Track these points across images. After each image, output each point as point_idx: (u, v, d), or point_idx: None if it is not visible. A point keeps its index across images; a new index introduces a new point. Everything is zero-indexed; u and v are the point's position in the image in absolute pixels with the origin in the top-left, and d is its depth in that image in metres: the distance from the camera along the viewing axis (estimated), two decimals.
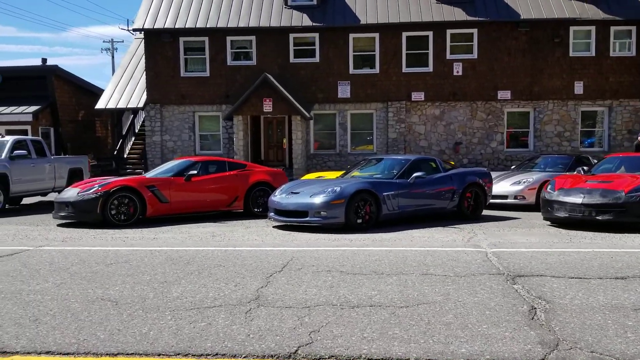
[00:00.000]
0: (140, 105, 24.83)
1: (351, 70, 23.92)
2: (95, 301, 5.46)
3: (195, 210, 11.92)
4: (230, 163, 12.80)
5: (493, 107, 23.75)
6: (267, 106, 22.36)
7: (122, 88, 25.82)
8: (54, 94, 25.40)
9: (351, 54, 23.91)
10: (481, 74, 23.53)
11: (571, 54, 23.29)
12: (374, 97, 23.97)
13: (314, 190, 10.14)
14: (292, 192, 10.44)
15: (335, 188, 9.92)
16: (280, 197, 10.55)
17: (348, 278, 6.24)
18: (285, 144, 25.11)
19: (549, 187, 10.78)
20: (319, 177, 14.60)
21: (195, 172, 11.79)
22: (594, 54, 23.26)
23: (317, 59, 23.97)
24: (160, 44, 24.22)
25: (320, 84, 24.05)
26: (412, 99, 23.81)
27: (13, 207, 15.02)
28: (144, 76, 26.04)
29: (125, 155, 26.03)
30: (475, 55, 23.55)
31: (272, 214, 10.63)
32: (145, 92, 25.16)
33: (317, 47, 23.98)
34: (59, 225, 11.29)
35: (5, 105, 24.91)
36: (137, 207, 11.11)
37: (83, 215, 10.90)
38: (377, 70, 23.89)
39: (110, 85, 25.96)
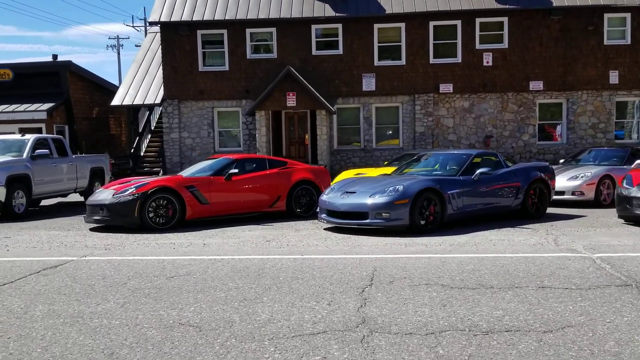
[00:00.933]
0: (157, 101, 23.98)
1: (376, 62, 23.02)
2: (174, 327, 4.62)
3: (236, 211, 11.07)
4: (271, 160, 11.95)
5: (524, 99, 22.84)
6: (291, 100, 21.50)
7: (138, 84, 24.96)
8: (68, 90, 24.53)
9: (376, 45, 23.02)
10: (512, 64, 22.62)
11: (606, 42, 22.36)
12: (400, 90, 23.07)
13: (372, 189, 9.28)
14: (346, 192, 9.57)
15: (397, 187, 9.05)
16: (332, 197, 9.70)
17: (456, 294, 5.39)
18: (308, 140, 24.25)
19: (625, 182, 9.91)
20: (358, 174, 13.77)
21: (236, 170, 10.93)
22: (629, 42, 22.32)
23: (340, 51, 23.08)
24: (177, 38, 23.35)
25: (343, 77, 23.16)
26: (440, 91, 22.91)
27: (32, 209, 14.20)
28: (160, 71, 25.19)
29: (142, 154, 25.19)
30: (505, 44, 22.63)
31: (324, 215, 9.78)
32: (162, 88, 24.31)
33: (340, 38, 23.09)
34: (91, 229, 10.46)
35: (17, 102, 24.07)
36: (176, 209, 10.27)
37: (119, 219, 10.07)
38: (403, 61, 22.99)
39: (126, 82, 25.09)
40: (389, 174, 10.91)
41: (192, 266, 6.82)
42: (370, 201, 9.04)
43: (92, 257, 7.63)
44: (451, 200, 9.36)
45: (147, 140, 25.96)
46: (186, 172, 11.80)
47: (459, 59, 22.80)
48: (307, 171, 11.98)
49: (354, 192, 9.44)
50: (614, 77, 22.39)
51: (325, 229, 9.91)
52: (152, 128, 26.35)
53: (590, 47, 22.38)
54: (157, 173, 23.98)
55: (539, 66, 22.54)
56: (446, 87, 22.90)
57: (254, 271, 6.48)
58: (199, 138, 23.89)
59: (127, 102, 24.01)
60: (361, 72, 23.08)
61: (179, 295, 5.52)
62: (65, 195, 15.58)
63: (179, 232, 9.88)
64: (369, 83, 23.04)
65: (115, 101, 24.11)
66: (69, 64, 24.66)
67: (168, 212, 10.24)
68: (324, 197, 9.99)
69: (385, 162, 15.76)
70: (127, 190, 10.17)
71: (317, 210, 10.28)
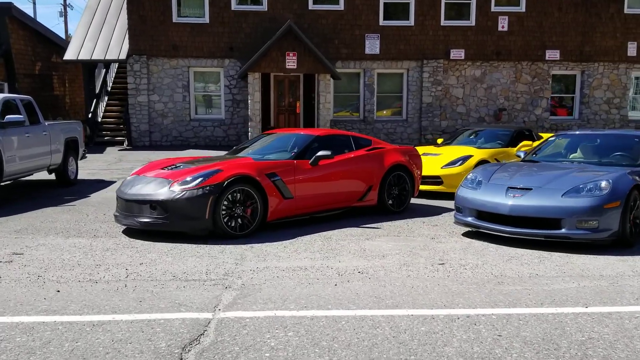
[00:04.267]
0: (122, 57, 19.97)
1: (381, 22, 20.25)
2: None
3: (322, 208, 8.12)
4: (355, 138, 9.04)
5: (539, 69, 20.95)
6: (291, 62, 18.34)
7: (95, 35, 20.73)
8: (8, 40, 19.87)
9: (381, 1, 20.20)
10: (528, 30, 20.58)
11: (626, 10, 20.79)
12: (406, 54, 20.47)
13: (560, 184, 6.68)
14: (512, 187, 6.88)
15: (599, 182, 6.51)
16: (487, 192, 6.99)
17: None
18: (300, 108, 21.20)
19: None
20: (427, 152, 11.14)
21: (328, 152, 7.94)
22: None
23: (341, 7, 20.09)
24: None
25: (344, 37, 20.22)
26: (451, 57, 20.54)
27: None
28: (122, 19, 21.12)
29: (99, 119, 21.14)
30: (523, 8, 20.52)
31: (471, 219, 7.10)
32: (125, 41, 20.31)
33: None
34: (134, 236, 7.20)
35: None
36: (257, 207, 7.21)
37: (182, 223, 6.87)
38: (411, 22, 20.36)
39: (79, 32, 20.76)
40: (527, 160, 8.29)
41: (416, 334, 3.97)
42: (566, 203, 6.44)
43: (238, 312, 4.51)
44: None
45: (104, 103, 21.87)
46: (250, 152, 8.66)
47: (472, 21, 20.47)
48: (398, 152, 9.17)
49: (529, 189, 6.79)
50: (632, 49, 20.93)
51: (464, 235, 7.28)
52: (109, 89, 22.23)
53: (610, 15, 20.74)
54: (120, 143, 20.18)
55: (556, 34, 20.66)
56: (457, 53, 20.55)
57: (560, 346, 3.76)
58: (171, 103, 20.24)
59: (83, 56, 19.81)
60: (364, 32, 20.24)
61: None
62: (30, 175, 11.87)
63: (263, 239, 6.87)
64: (372, 45, 20.25)
65: (69, 55, 19.84)
66: (9, 7, 19.93)
67: (246, 211, 7.16)
68: (467, 191, 7.29)
69: (440, 140, 13.20)
70: (192, 180, 6.98)
71: (455, 210, 7.55)
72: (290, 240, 6.97)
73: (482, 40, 20.52)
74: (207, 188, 6.87)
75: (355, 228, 7.76)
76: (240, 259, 6.05)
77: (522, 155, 8.67)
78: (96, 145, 19.62)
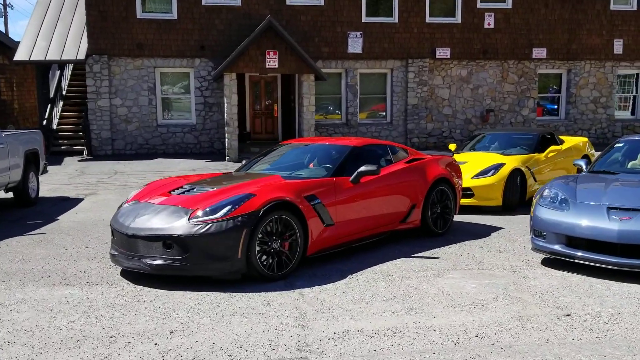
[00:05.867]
0: (81, 57, 17.91)
1: (364, 18, 18.95)
2: None
3: (362, 235, 6.66)
4: (392, 148, 7.64)
5: (526, 68, 20.12)
6: (272, 61, 16.79)
7: (49, 33, 18.55)
8: None
9: None
10: (515, 27, 19.72)
11: (612, 7, 20.21)
12: (390, 53, 19.25)
13: None
14: (612, 208, 5.59)
15: None
16: (577, 213, 5.74)
17: None
18: (278, 111, 19.67)
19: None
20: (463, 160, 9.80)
21: (373, 168, 6.50)
22: (635, 8, 20.36)
23: (321, 2, 18.68)
24: None
25: (325, 35, 18.83)
26: (437, 56, 19.44)
27: None
28: (79, 16, 19.07)
29: (54, 127, 18.98)
30: (509, 4, 19.63)
31: (559, 246, 5.79)
32: (83, 40, 18.28)
33: None
34: (140, 282, 5.59)
35: None
36: (297, 239, 5.73)
37: (209, 265, 5.27)
38: (395, 19, 19.14)
39: (30, 30, 18.54)
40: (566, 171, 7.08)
41: None
42: None
43: None
44: None
45: (59, 109, 19.69)
46: (267, 167, 7.13)
47: (458, 18, 19.44)
48: (439, 164, 7.84)
49: (638, 210, 5.55)
50: (618, 47, 20.37)
51: (561, 269, 6.02)
52: (64, 93, 20.07)
53: (596, 12, 20.12)
54: (79, 152, 18.15)
55: (543, 31, 19.88)
56: (443, 52, 19.47)
57: None
58: (136, 107, 18.33)
59: (36, 56, 17.63)
60: (346, 29, 18.90)
61: None
62: None
63: (306, 280, 5.40)
64: (355, 43, 18.93)
65: (20, 55, 17.62)
66: None
67: (283, 245, 5.65)
68: (549, 212, 6.00)
69: (453, 146, 11.94)
70: (218, 208, 5.41)
71: (533, 234, 6.22)
72: (344, 282, 5.52)
73: (468, 38, 19.53)
74: (239, 219, 5.33)
75: (408, 259, 6.37)
76: (301, 317, 4.56)
77: (582, 164, 7.46)
78: (52, 155, 17.52)
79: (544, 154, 10.54)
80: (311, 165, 7.09)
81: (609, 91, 20.71)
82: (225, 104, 16.94)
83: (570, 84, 20.52)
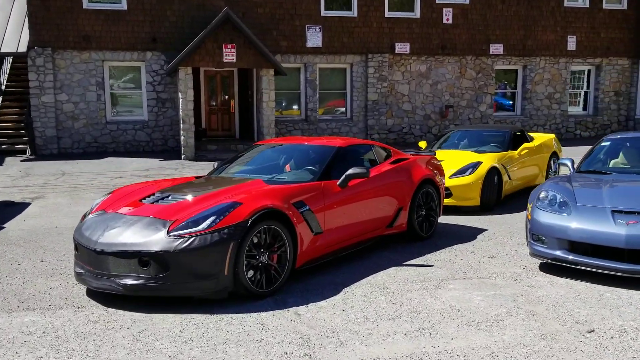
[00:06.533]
0: (22, 49, 16.67)
1: (322, 12, 18.48)
2: None
3: (349, 243, 6.17)
4: (375, 147, 7.20)
5: (483, 64, 20.14)
6: (230, 55, 16.08)
7: None
8: None
9: None
10: (473, 23, 19.69)
11: (565, 3, 20.48)
12: (350, 48, 18.86)
13: None
14: (616, 211, 5.30)
15: None
16: (580, 217, 5.46)
17: None
18: (234, 108, 18.97)
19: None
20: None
21: (362, 170, 6.03)
22: (587, 5, 20.70)
23: None
24: None
25: (283, 29, 18.25)
26: (396, 51, 19.19)
27: None
28: (19, 4, 17.78)
29: None
30: (467, 0, 19.56)
31: (560, 252, 5.49)
32: (24, 31, 17.04)
33: None
34: (110, 303, 4.94)
35: None
36: (286, 251, 5.21)
37: (191, 284, 4.68)
38: (354, 12, 18.76)
39: None
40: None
41: None
42: None
43: None
44: None
45: None
46: (239, 172, 6.56)
47: (416, 13, 19.24)
48: (423, 164, 7.47)
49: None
50: (571, 43, 20.67)
51: (564, 276, 5.75)
52: (3, 88, 18.72)
53: (551, 9, 20.34)
54: (22, 152, 16.95)
55: (499, 27, 19.94)
56: (402, 47, 19.24)
57: None
58: (83, 103, 17.27)
59: None
60: (305, 23, 18.39)
61: None
62: None
63: (297, 296, 4.91)
64: (314, 37, 18.44)
65: None
66: None
67: (271, 257, 5.13)
68: (549, 216, 5.70)
69: (422, 143, 11.64)
70: (201, 219, 4.83)
71: (532, 239, 5.90)
72: (340, 297, 5.05)
73: (427, 34, 19.37)
74: (225, 231, 4.77)
75: (401, 268, 5.96)
76: (305, 343, 4.06)
77: (568, 163, 7.23)
78: None
79: (517, 152, 10.37)
80: (287, 167, 6.58)
81: (563, 87, 21.02)
82: (180, 100, 16.13)
83: (525, 79, 20.70)
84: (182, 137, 16.26)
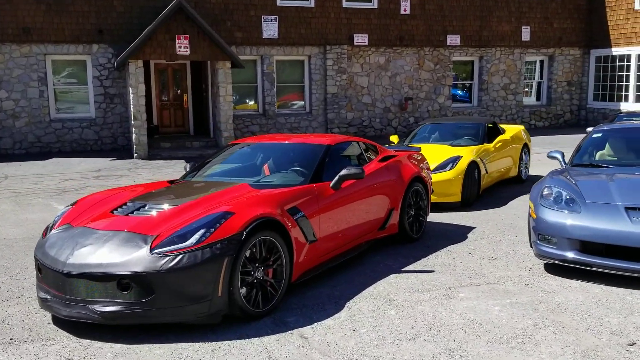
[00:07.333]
0: None
1: (279, 2, 17.82)
2: None
3: (343, 250, 5.65)
4: (364, 145, 6.69)
5: (441, 55, 19.98)
6: (183, 47, 15.23)
7: None
8: None
9: None
10: (430, 14, 19.47)
11: None
12: (308, 39, 18.29)
13: None
14: (630, 208, 5.02)
15: None
16: (592, 215, 5.13)
17: None
18: (188, 102, 18.09)
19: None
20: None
21: (357, 170, 5.52)
22: None
23: None
24: None
25: (237, 19, 17.51)
26: (355, 43, 18.75)
27: None
28: None
29: None
30: None
31: (572, 253, 5.15)
32: None
33: None
34: (82, 334, 4.24)
35: None
36: (283, 263, 4.66)
37: (180, 309, 4.04)
38: (311, 3, 18.18)
39: None
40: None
41: None
42: None
43: None
44: None
45: None
46: (217, 174, 5.93)
47: (374, 4, 18.84)
48: (411, 161, 7.04)
49: None
50: (525, 34, 20.77)
51: (574, 278, 5.42)
52: None
53: (505, 0, 20.36)
54: None
55: (456, 18, 19.80)
56: (361, 39, 18.82)
57: None
58: (25, 100, 16.04)
59: None
60: (260, 13, 17.69)
61: None
62: None
63: (296, 314, 4.38)
64: (270, 28, 17.77)
65: None
66: None
67: (267, 272, 4.57)
68: (557, 215, 5.36)
69: (394, 137, 11.21)
70: (188, 233, 4.20)
71: (538, 239, 5.53)
72: (345, 314, 4.55)
73: (385, 25, 19.01)
74: (218, 245, 4.17)
75: (401, 275, 5.51)
76: None
77: (559, 157, 6.95)
78: None
79: (492, 144, 10.11)
80: (265, 167, 6.01)
81: (518, 78, 21.13)
82: (131, 95, 15.17)
83: (482, 70, 20.68)
84: (133, 135, 15.32)
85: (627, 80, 20.22)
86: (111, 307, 4.06)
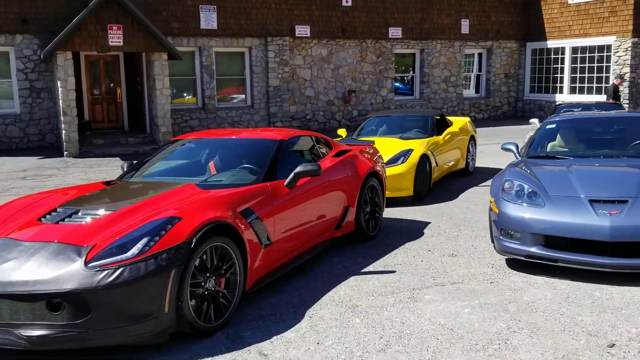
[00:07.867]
0: None
1: None
2: None
3: (298, 252, 5.26)
4: (317, 139, 6.29)
5: (383, 48, 19.85)
6: (116, 37, 14.37)
7: None
8: None
9: None
10: (372, 6, 19.29)
11: None
12: (248, 31, 17.73)
13: None
14: (594, 200, 4.92)
15: None
16: (556, 209, 4.97)
17: None
18: (121, 96, 17.18)
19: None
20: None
21: (313, 167, 5.12)
22: None
23: None
24: None
25: (174, 9, 16.76)
26: (297, 34, 18.34)
27: None
28: None
29: None
30: None
31: (536, 248, 4.96)
32: None
33: None
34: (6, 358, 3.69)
35: None
36: (236, 272, 4.22)
37: (121, 330, 3.55)
38: None
39: None
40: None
41: None
42: None
43: None
44: None
45: None
46: (156, 174, 5.41)
47: None
48: (366, 156, 6.71)
49: (624, 202, 4.91)
50: (465, 27, 20.95)
51: (537, 273, 5.25)
52: None
53: None
54: None
55: (398, 10, 19.72)
56: (303, 30, 18.43)
57: None
58: None
59: None
60: (198, 2, 17.00)
61: None
62: None
63: (253, 328, 4.00)
64: (208, 18, 17.11)
65: None
66: None
67: (219, 282, 4.13)
68: (520, 209, 5.16)
69: (342, 131, 10.88)
70: (129, 243, 3.70)
71: (501, 235, 5.32)
72: (306, 324, 4.17)
73: (327, 16, 18.68)
74: (164, 256, 3.70)
75: (361, 277, 5.18)
76: None
77: (513, 148, 6.80)
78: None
79: (441, 137, 9.96)
80: (211, 166, 5.54)
81: (458, 70, 21.30)
82: (60, 89, 14.19)
83: (423, 63, 20.71)
84: (63, 132, 14.36)
85: (562, 72, 20.75)
86: (40, 330, 3.51)
